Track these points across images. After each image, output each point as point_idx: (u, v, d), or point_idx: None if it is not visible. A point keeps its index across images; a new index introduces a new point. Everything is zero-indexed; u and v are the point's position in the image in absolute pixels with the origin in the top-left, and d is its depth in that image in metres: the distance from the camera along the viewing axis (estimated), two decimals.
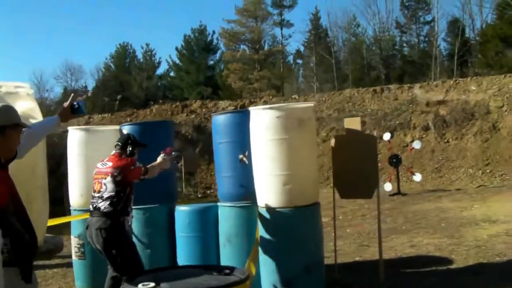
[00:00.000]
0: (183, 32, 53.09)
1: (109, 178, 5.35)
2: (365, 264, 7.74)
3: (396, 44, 44.29)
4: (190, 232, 6.58)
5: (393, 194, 15.78)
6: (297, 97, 24.00)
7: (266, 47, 44.33)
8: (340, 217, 12.25)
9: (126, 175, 5.38)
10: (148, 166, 5.53)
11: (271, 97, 25.44)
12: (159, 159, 5.68)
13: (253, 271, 5.06)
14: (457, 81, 22.62)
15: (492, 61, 33.00)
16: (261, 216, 5.72)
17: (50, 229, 10.90)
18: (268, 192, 5.65)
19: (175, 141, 7.67)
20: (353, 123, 6.20)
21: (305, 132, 5.58)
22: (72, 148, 7.19)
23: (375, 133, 15.36)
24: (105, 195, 5.35)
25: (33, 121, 4.38)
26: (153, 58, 50.95)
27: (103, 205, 5.34)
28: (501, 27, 34.26)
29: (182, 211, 6.71)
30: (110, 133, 7.29)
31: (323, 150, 18.69)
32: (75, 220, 7.08)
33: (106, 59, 52.03)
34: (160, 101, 27.66)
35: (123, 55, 51.22)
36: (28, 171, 4.25)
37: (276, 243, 5.62)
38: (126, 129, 7.04)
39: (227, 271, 3.04)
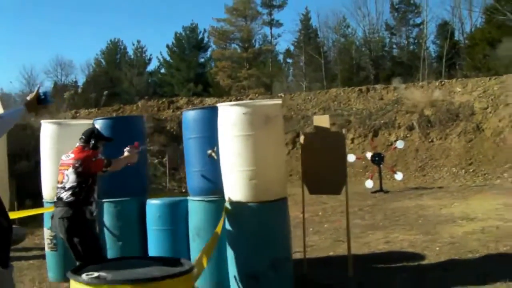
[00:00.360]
0: (174, 30, 52.96)
1: (70, 169, 5.47)
2: (337, 259, 7.81)
3: (385, 45, 44.58)
4: (160, 225, 6.64)
5: (375, 192, 15.91)
6: (283, 95, 24.06)
7: (256, 46, 44.49)
8: (320, 213, 12.37)
9: (87, 167, 5.48)
10: (112, 159, 5.60)
11: (257, 95, 25.50)
12: (125, 153, 5.76)
13: (205, 264, 5.10)
14: (443, 83, 22.78)
15: (480, 63, 33.28)
16: (227, 211, 5.78)
17: (21, 220, 11.08)
18: (235, 187, 5.72)
19: (145, 136, 7.67)
20: (322, 121, 6.28)
21: (272, 129, 5.64)
22: (45, 141, 7.25)
23: (353, 132, 15.57)
24: (67, 185, 5.45)
25: None
26: (144, 55, 51.01)
27: (65, 195, 5.44)
28: (489, 31, 34.53)
29: (153, 204, 6.76)
30: (82, 127, 7.26)
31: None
32: (47, 212, 7.10)
33: (97, 54, 52.03)
34: (146, 97, 27.59)
35: (114, 51, 51.20)
36: None
37: (242, 237, 5.69)
38: (98, 124, 7.09)
39: (175, 262, 3.08)
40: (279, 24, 44.98)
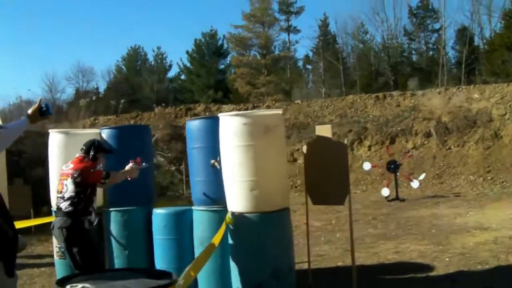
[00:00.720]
0: (194, 36, 53.18)
1: (69, 180, 5.58)
2: (345, 270, 7.74)
3: (404, 51, 44.24)
4: (166, 235, 6.66)
5: (391, 200, 15.78)
6: (299, 102, 24.05)
7: (276, 52, 44.50)
8: (333, 222, 12.32)
9: (85, 177, 5.58)
10: (111, 172, 5.67)
11: (274, 102, 25.52)
12: (127, 167, 5.85)
13: (192, 275, 5.08)
14: (460, 89, 22.59)
15: (499, 69, 32.91)
16: (229, 221, 5.79)
17: (37, 228, 11.19)
18: (236, 197, 5.74)
19: (151, 146, 7.74)
20: (324, 131, 6.25)
21: (272, 138, 5.64)
22: (52, 150, 7.32)
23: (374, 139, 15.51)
24: (66, 195, 5.57)
25: None
26: (164, 61, 51.27)
27: (64, 205, 5.56)
28: (508, 36, 34.14)
29: (158, 214, 6.80)
30: (89, 136, 7.32)
31: None
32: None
33: (118, 61, 52.41)
34: (163, 104, 27.79)
35: (135, 57, 51.56)
36: None
37: (243, 248, 5.70)
38: (104, 133, 7.17)
39: (162, 275, 3.11)
40: (296, 31, 44.96)
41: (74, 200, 5.54)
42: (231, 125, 5.68)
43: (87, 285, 2.95)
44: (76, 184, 5.55)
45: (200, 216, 6.36)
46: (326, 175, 6.07)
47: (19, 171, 15.10)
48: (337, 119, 21.48)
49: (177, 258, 6.49)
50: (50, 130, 7.48)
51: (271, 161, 5.67)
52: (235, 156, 5.66)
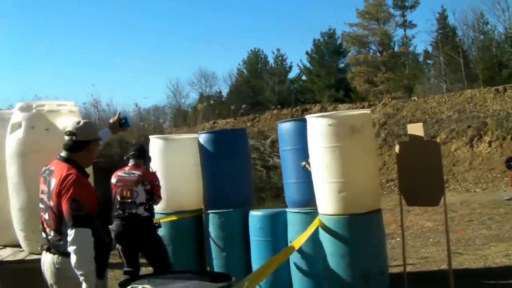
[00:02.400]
0: (312, 37, 53.16)
1: (140, 186, 6.09)
2: (446, 274, 7.41)
3: None
4: (261, 237, 6.72)
5: (509, 199, 14.79)
6: (416, 98, 23.31)
7: (394, 49, 43.46)
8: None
9: (153, 187, 6.22)
10: None
11: (390, 99, 24.93)
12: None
13: (260, 278, 5.08)
14: None
15: None
16: (320, 223, 5.72)
17: None
18: (325, 199, 5.67)
19: (247, 149, 7.83)
20: (416, 129, 6.00)
21: (359, 139, 5.51)
22: (153, 155, 7.55)
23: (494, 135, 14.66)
24: (137, 201, 6.07)
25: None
26: (284, 63, 51.69)
27: (140, 210, 6.12)
28: None
29: (254, 215, 6.86)
30: (187, 141, 7.62)
31: (442, 153, 17.87)
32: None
33: (239, 65, 53.44)
34: (279, 106, 28.00)
35: (255, 60, 52.39)
36: None
37: (332, 250, 5.60)
38: (201, 138, 7.34)
39: (224, 278, 3.13)
40: (412, 25, 43.66)
41: (146, 206, 6.13)
42: (317, 127, 5.62)
43: (147, 286, 3.04)
44: (146, 191, 6.14)
45: (293, 218, 6.35)
46: (419, 175, 5.83)
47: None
48: (455, 115, 20.58)
49: None
50: (150, 136, 7.75)
51: (359, 162, 5.54)
52: (323, 157, 5.60)
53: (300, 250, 6.06)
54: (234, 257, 6.98)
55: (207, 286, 3.03)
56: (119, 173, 6.27)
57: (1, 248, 5.19)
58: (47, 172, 3.83)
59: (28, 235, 4.71)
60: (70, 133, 3.83)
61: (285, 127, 6.60)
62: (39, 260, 4.59)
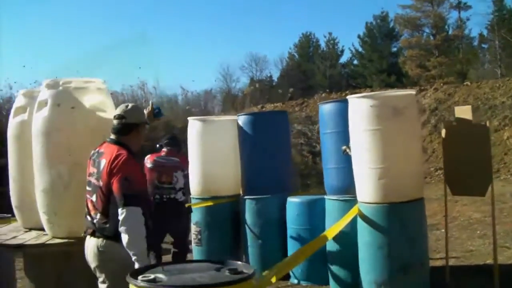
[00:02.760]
0: (365, 20, 52.15)
1: (179, 172, 6.19)
2: (492, 269, 6.97)
3: None
4: (298, 224, 6.45)
5: None
6: (469, 84, 22.41)
7: (448, 32, 42.10)
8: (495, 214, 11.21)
9: (187, 173, 6.52)
10: None
11: (442, 84, 24.11)
12: None
13: (288, 268, 4.82)
14: None
15: None
16: (358, 211, 5.40)
17: None
18: (364, 186, 5.32)
19: (288, 132, 7.55)
20: (464, 112, 5.57)
21: (402, 122, 5.12)
22: (191, 137, 7.36)
23: None
24: (177, 186, 6.13)
25: (101, 114, 4.52)
26: (336, 47, 50.90)
27: (179, 195, 6.17)
28: None
29: (291, 202, 6.58)
30: (226, 123, 7.38)
31: (494, 141, 17.17)
32: (194, 207, 7.22)
33: (290, 48, 52.90)
34: (327, 90, 27.51)
35: (307, 44, 51.77)
36: None
37: (370, 240, 5.26)
38: (240, 120, 7.08)
39: (239, 270, 2.90)
40: (467, 7, 41.97)
41: (183, 191, 6.20)
42: (359, 108, 5.28)
43: (160, 275, 2.84)
44: (185, 176, 6.25)
45: (331, 205, 6.04)
46: (466, 162, 5.42)
47: None
48: (509, 101, 19.62)
49: None
50: (189, 118, 7.54)
51: (401, 146, 5.16)
52: (363, 141, 5.26)
53: (336, 239, 5.76)
54: (270, 245, 6.75)
55: (224, 277, 2.79)
56: (156, 158, 6.25)
57: (27, 231, 5.06)
58: (96, 154, 3.82)
59: (50, 218, 4.54)
60: (119, 116, 3.85)
61: (326, 109, 6.28)
62: (60, 244, 4.49)
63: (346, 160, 5.77)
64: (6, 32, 52.36)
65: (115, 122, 3.85)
